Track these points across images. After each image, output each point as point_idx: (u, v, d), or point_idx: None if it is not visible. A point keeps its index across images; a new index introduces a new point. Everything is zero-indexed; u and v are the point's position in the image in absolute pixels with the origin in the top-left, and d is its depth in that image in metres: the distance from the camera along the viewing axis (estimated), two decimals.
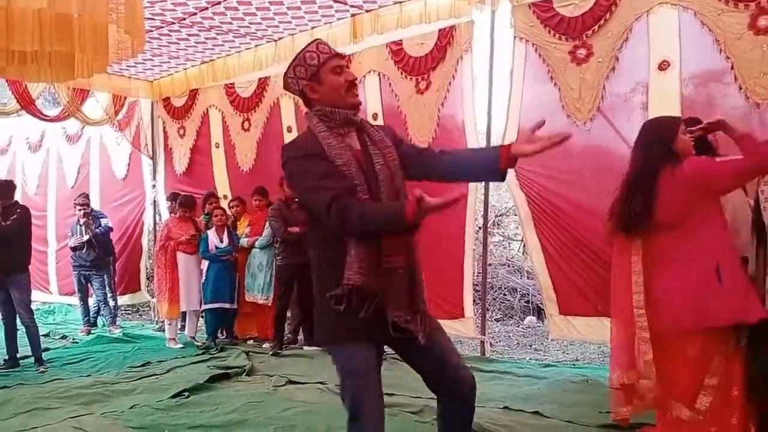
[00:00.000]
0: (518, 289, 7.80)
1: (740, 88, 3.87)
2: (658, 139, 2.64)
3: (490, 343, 5.70)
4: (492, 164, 1.99)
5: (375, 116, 6.09)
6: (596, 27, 4.52)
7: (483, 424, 3.39)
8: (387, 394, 4.10)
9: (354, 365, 2.05)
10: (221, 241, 6.48)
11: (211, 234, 6.48)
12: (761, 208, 2.52)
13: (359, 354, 2.04)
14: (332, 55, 2.07)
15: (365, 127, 2.13)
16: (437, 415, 2.23)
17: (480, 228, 5.92)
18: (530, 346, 6.30)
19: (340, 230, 1.95)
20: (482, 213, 5.71)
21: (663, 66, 4.26)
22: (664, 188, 2.54)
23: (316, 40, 2.11)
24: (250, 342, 6.53)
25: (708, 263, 2.48)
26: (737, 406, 2.51)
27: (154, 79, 7.90)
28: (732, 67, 3.90)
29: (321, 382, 4.65)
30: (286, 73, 2.11)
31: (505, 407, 3.81)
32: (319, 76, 2.05)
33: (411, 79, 5.76)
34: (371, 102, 6.11)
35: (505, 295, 7.78)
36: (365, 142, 2.09)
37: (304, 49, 2.07)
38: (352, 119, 2.08)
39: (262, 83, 7.03)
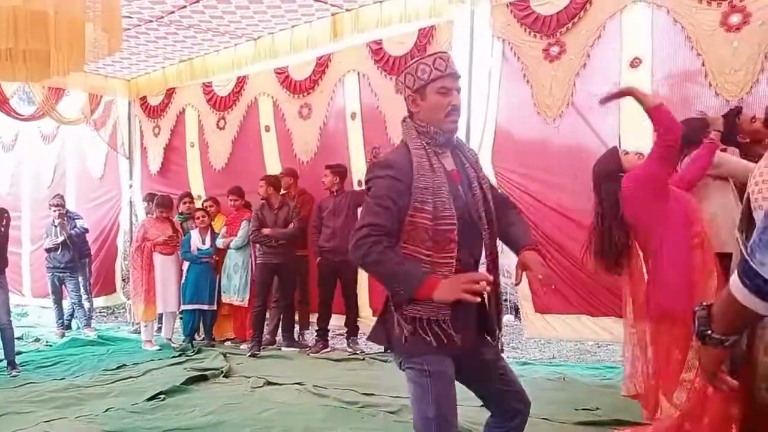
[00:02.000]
0: None
1: (710, 85, 3.93)
2: (606, 173, 2.83)
3: None
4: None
5: (353, 116, 6.09)
6: (570, 24, 4.57)
7: (460, 423, 3.37)
8: (366, 393, 4.18)
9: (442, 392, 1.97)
10: (203, 243, 6.42)
11: (194, 235, 6.42)
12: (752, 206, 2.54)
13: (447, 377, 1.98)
14: (445, 74, 1.97)
15: (461, 147, 2.10)
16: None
17: None
18: (507, 345, 6.31)
19: (354, 258, 1.89)
20: None
21: (634, 63, 4.31)
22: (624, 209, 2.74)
23: (438, 53, 2.04)
24: (228, 343, 6.49)
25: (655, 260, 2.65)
26: (711, 407, 2.53)
27: (131, 78, 7.81)
28: (703, 64, 3.96)
29: (299, 383, 4.62)
30: (398, 75, 2.07)
31: (482, 406, 3.80)
32: (424, 92, 1.99)
33: (391, 78, 5.74)
34: (350, 101, 6.12)
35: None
36: (462, 162, 2.06)
37: (422, 57, 2.02)
38: (449, 142, 2.04)
39: (241, 82, 6.98)
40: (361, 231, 1.87)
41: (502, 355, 2.16)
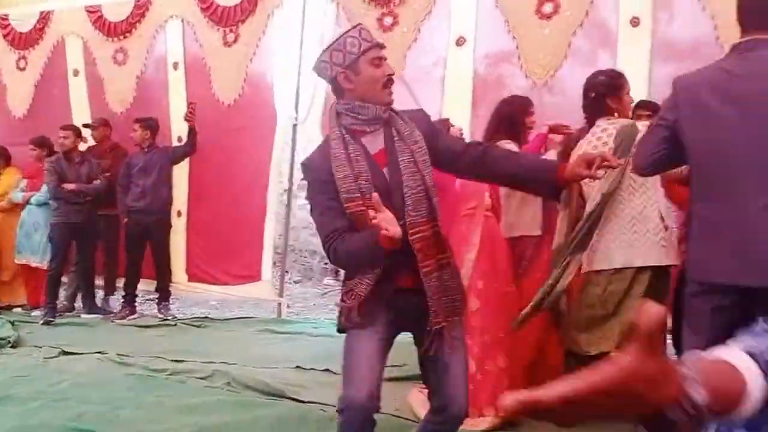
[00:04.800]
0: (318, 251, 7.91)
1: (521, 67, 4.23)
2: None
3: (288, 305, 5.71)
4: (549, 184, 1.90)
5: (176, 65, 5.71)
6: None
7: (274, 385, 3.35)
8: (176, 360, 3.97)
9: (354, 346, 1.93)
10: None
11: None
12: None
13: (364, 336, 1.92)
14: (374, 45, 1.92)
15: (394, 121, 1.97)
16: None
17: (285, 190, 5.85)
18: (326, 307, 6.42)
19: (337, 266, 1.91)
20: (288, 175, 5.64)
21: (460, 42, 4.50)
22: None
23: (358, 25, 1.98)
24: (18, 310, 5.80)
25: None
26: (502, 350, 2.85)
27: None
28: (517, 47, 4.25)
29: (100, 352, 4.26)
30: (320, 56, 1.93)
31: (298, 367, 3.83)
32: (357, 66, 1.90)
33: (218, 29, 5.46)
34: (173, 50, 5.73)
35: (305, 257, 7.85)
36: (392, 137, 1.94)
37: (345, 33, 1.92)
38: (379, 116, 1.94)
39: (44, 18, 6.19)
40: (327, 247, 1.92)
41: (456, 344, 2.00)
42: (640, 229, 2.53)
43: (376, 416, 1.87)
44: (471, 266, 2.84)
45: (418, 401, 2.87)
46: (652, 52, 3.80)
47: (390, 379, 3.44)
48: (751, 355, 0.73)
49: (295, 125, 5.31)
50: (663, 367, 0.63)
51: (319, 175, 1.91)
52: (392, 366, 3.59)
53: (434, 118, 4.17)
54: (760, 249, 1.82)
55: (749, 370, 0.71)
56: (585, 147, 2.69)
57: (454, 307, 1.93)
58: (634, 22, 3.89)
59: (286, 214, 5.64)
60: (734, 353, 0.73)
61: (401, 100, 4.83)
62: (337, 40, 1.93)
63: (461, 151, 1.99)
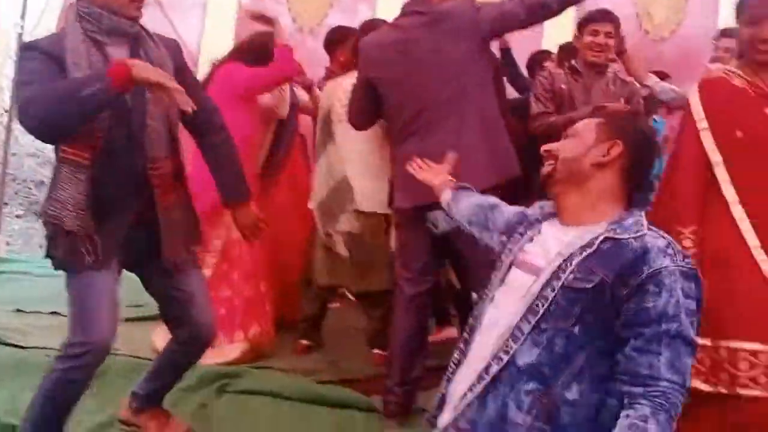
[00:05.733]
0: (46, 183, 7.04)
1: (289, 10, 4.21)
2: None
3: (7, 242, 5.07)
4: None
5: None
6: None
7: None
8: None
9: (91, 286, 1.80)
10: None
11: None
12: None
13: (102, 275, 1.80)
14: None
15: (144, 41, 1.80)
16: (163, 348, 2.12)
17: (6, 111, 5.05)
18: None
19: (31, 128, 1.61)
20: (11, 93, 4.86)
21: None
22: None
23: None
24: None
25: None
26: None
27: None
28: None
29: None
30: None
31: (18, 309, 3.41)
32: None
33: None
34: None
35: (30, 188, 6.92)
36: (139, 57, 1.73)
37: None
38: (124, 29, 1.75)
39: None
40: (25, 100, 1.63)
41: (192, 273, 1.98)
42: None
43: (116, 358, 1.91)
44: None
45: (159, 337, 2.76)
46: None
47: (131, 320, 3.28)
48: None
49: (20, 35, 4.57)
50: None
51: (46, 58, 1.67)
52: (134, 306, 3.41)
53: (193, 43, 4.01)
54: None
55: None
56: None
57: (189, 240, 1.95)
58: None
59: (6, 138, 4.87)
60: None
61: (157, 26, 4.56)
62: None
63: (201, 108, 1.85)
